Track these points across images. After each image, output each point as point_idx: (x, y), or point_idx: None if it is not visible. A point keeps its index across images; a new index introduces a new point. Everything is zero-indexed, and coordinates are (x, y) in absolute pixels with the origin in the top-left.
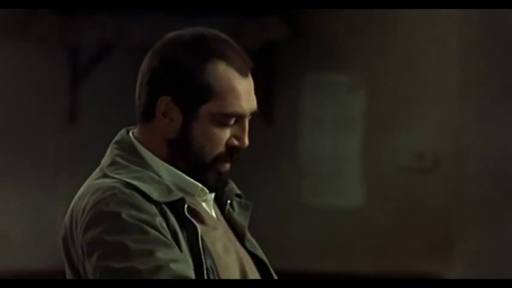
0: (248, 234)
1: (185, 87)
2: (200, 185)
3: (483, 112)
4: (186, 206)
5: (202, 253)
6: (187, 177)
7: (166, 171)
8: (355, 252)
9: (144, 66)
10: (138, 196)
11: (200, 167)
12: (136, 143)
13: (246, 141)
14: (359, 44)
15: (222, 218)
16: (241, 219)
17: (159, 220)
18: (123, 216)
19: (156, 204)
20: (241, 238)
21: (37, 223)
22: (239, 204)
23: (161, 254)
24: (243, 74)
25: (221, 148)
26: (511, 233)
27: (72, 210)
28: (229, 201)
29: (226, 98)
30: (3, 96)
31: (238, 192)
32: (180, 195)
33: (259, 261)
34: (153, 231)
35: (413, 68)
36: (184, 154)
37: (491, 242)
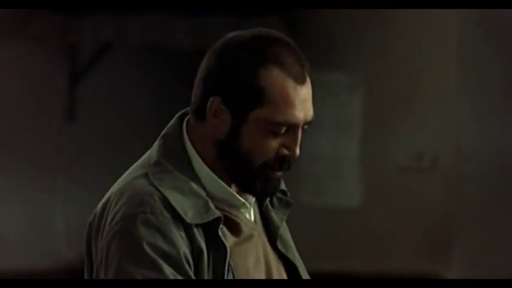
0: (284, 233)
1: (236, 90)
2: (242, 200)
3: (482, 112)
4: (220, 226)
5: (226, 274)
6: (230, 188)
7: (210, 179)
8: (354, 252)
9: (203, 63)
10: (168, 219)
11: (247, 173)
12: (186, 140)
13: (297, 151)
14: (358, 43)
15: (259, 218)
16: (278, 217)
17: (183, 252)
18: (144, 246)
19: (187, 224)
20: (274, 238)
21: (36, 223)
22: (279, 200)
23: None
24: (299, 81)
25: (270, 156)
26: (510, 231)
27: (107, 203)
28: (269, 198)
29: (278, 105)
30: (2, 96)
31: (283, 188)
32: (217, 214)
33: (291, 263)
34: (168, 269)
35: (412, 68)
36: (232, 157)
37: (491, 242)
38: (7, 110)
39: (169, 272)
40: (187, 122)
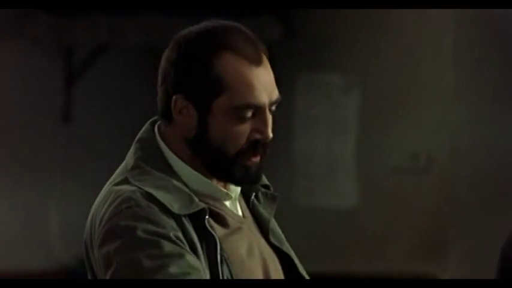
0: (274, 227)
1: (195, 83)
2: (225, 190)
3: (477, 113)
4: (206, 217)
5: (219, 265)
6: (210, 182)
7: (190, 176)
8: (348, 252)
9: (160, 66)
10: (156, 209)
11: (224, 163)
12: (161, 142)
13: (269, 133)
14: (353, 44)
15: (248, 213)
16: (267, 211)
17: (175, 233)
18: (138, 232)
19: (175, 216)
20: (265, 232)
21: (31, 223)
22: (265, 195)
23: (174, 269)
24: (255, 62)
25: (242, 143)
26: (505, 231)
27: (93, 216)
28: (254, 193)
29: (237, 90)
30: None
31: (266, 182)
32: (202, 205)
33: (285, 256)
34: (168, 244)
35: (407, 69)
36: (205, 152)
37: (486, 242)
38: (3, 111)
39: (169, 248)
40: (159, 127)
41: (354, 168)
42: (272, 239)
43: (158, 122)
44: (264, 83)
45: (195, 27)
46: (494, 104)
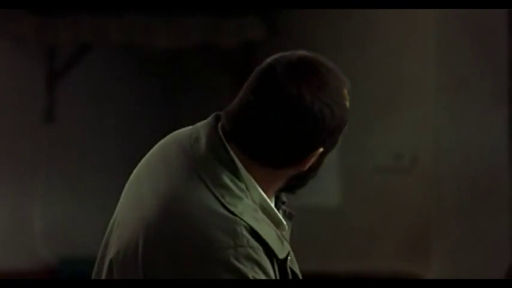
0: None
1: (335, 137)
2: (282, 219)
3: (459, 113)
4: (289, 258)
5: None
6: (277, 212)
7: (260, 199)
8: (332, 251)
9: (278, 116)
10: (264, 254)
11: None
12: (234, 157)
13: None
14: (337, 43)
15: None
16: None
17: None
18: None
19: (277, 260)
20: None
21: (14, 223)
22: (283, 212)
23: None
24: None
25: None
26: (488, 231)
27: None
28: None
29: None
30: None
31: (284, 199)
32: (288, 248)
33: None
34: None
35: (391, 69)
36: (299, 177)
37: (469, 240)
38: None
39: None
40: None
41: (338, 167)
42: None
43: (220, 129)
44: None
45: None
46: (476, 103)
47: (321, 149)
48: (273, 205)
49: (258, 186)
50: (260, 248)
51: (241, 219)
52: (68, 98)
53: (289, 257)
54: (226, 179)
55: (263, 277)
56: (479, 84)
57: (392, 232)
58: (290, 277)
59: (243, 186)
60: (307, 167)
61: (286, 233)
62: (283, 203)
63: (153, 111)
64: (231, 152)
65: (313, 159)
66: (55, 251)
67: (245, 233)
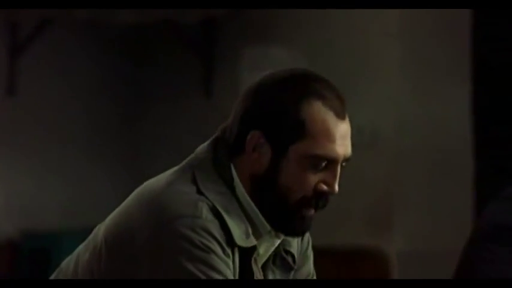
0: None
1: (277, 123)
2: (268, 225)
3: (422, 89)
4: (254, 256)
5: None
6: (260, 215)
7: (246, 202)
8: None
9: (239, 101)
10: (221, 231)
11: (282, 209)
12: (232, 169)
13: (336, 188)
14: (299, 19)
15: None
16: (272, 277)
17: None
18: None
19: (231, 244)
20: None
21: None
22: (282, 260)
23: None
24: (340, 116)
25: (308, 191)
26: (450, 206)
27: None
28: (274, 253)
29: (319, 138)
30: None
31: (291, 250)
32: (255, 242)
33: None
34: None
35: (353, 43)
36: (268, 192)
37: (431, 215)
38: None
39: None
40: (231, 150)
41: None
42: None
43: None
44: (343, 138)
45: (283, 71)
46: (439, 79)
47: (257, 133)
48: (257, 211)
49: (244, 192)
50: (218, 224)
51: (207, 199)
52: (30, 71)
53: (254, 256)
54: (213, 170)
55: (217, 247)
56: (442, 60)
57: (354, 207)
58: (253, 274)
59: (228, 178)
60: (250, 154)
61: (275, 272)
62: (291, 254)
63: (116, 86)
64: (231, 166)
65: (253, 145)
66: (16, 225)
67: (206, 209)
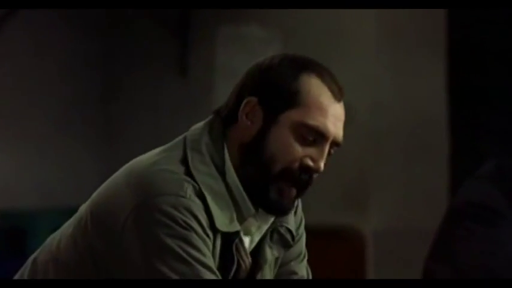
0: (267, 270)
1: (274, 90)
2: (253, 209)
3: (398, 65)
4: (236, 241)
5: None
6: (247, 199)
7: (235, 186)
8: None
9: (239, 81)
10: (204, 213)
11: (264, 179)
12: (224, 145)
13: (321, 166)
14: None
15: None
16: (271, 253)
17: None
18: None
19: (213, 228)
20: (255, 271)
21: None
22: (280, 236)
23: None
24: (335, 97)
25: (292, 163)
26: (426, 183)
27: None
28: (271, 229)
29: (312, 109)
30: None
31: (291, 228)
32: (238, 228)
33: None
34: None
35: (328, 20)
36: (253, 161)
37: (406, 194)
38: None
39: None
40: (226, 126)
41: None
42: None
43: (222, 117)
44: (336, 119)
45: (279, 55)
46: (414, 57)
47: (252, 99)
48: (244, 195)
49: (233, 170)
50: (202, 207)
51: (195, 181)
52: (6, 49)
53: (236, 241)
54: (206, 152)
55: (197, 226)
56: (418, 37)
57: (330, 185)
58: (235, 260)
59: (220, 164)
60: (242, 121)
61: (271, 251)
62: (290, 231)
63: (94, 64)
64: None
65: (247, 111)
66: None
67: (191, 190)
